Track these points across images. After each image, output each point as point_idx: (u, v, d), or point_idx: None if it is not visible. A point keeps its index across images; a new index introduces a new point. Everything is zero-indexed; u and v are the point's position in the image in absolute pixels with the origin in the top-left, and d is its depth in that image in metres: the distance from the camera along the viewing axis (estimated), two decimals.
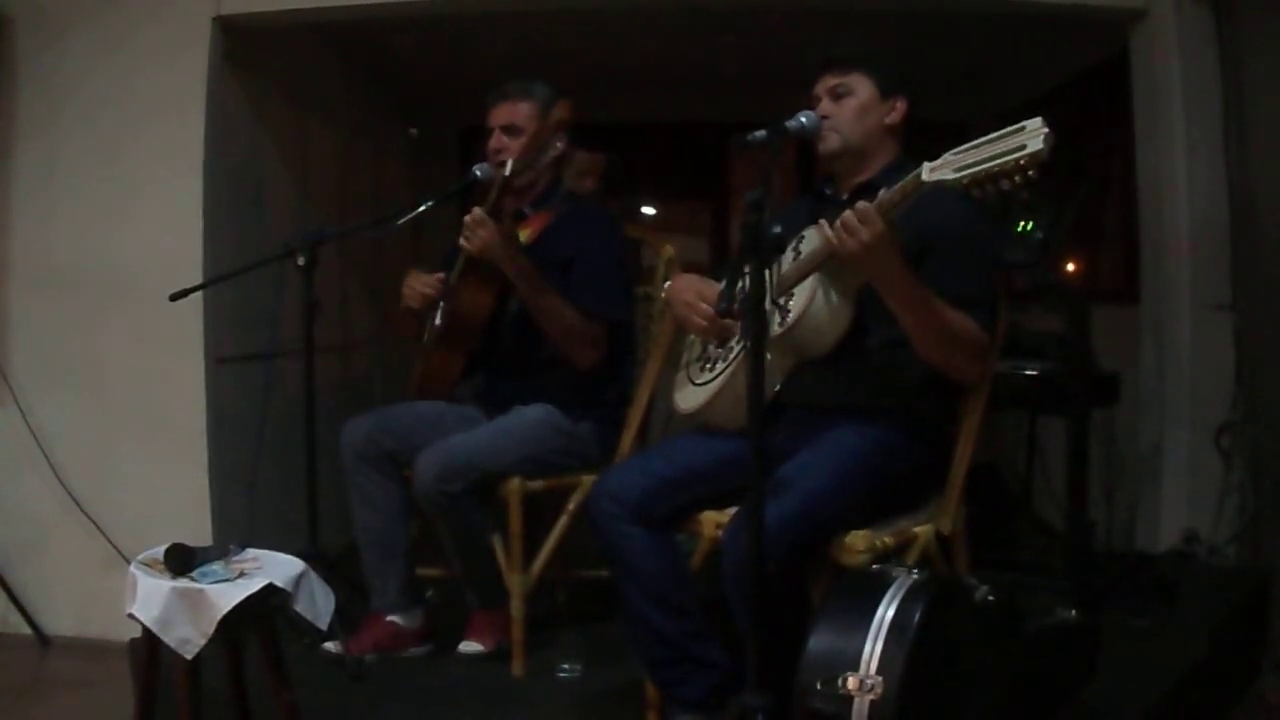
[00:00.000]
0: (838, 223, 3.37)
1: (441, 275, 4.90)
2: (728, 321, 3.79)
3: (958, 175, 3.10)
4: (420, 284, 4.89)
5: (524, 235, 4.72)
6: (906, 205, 3.29)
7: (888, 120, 3.90)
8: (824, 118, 3.82)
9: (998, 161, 3.02)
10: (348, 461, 4.70)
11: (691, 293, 3.95)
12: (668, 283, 4.19)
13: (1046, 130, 2.96)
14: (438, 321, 4.87)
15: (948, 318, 3.51)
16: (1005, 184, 3.03)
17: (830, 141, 3.87)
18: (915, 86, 3.94)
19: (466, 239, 4.50)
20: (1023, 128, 3.00)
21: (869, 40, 4.04)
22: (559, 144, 4.60)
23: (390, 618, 4.73)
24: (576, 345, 4.65)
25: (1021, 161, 2.97)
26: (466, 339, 4.81)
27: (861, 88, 3.87)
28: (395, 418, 4.79)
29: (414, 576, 4.80)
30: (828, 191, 4.03)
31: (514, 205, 4.78)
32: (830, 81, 3.90)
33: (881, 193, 3.38)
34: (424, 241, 7.56)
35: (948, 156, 3.16)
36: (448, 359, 4.87)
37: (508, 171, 4.51)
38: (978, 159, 3.07)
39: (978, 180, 3.06)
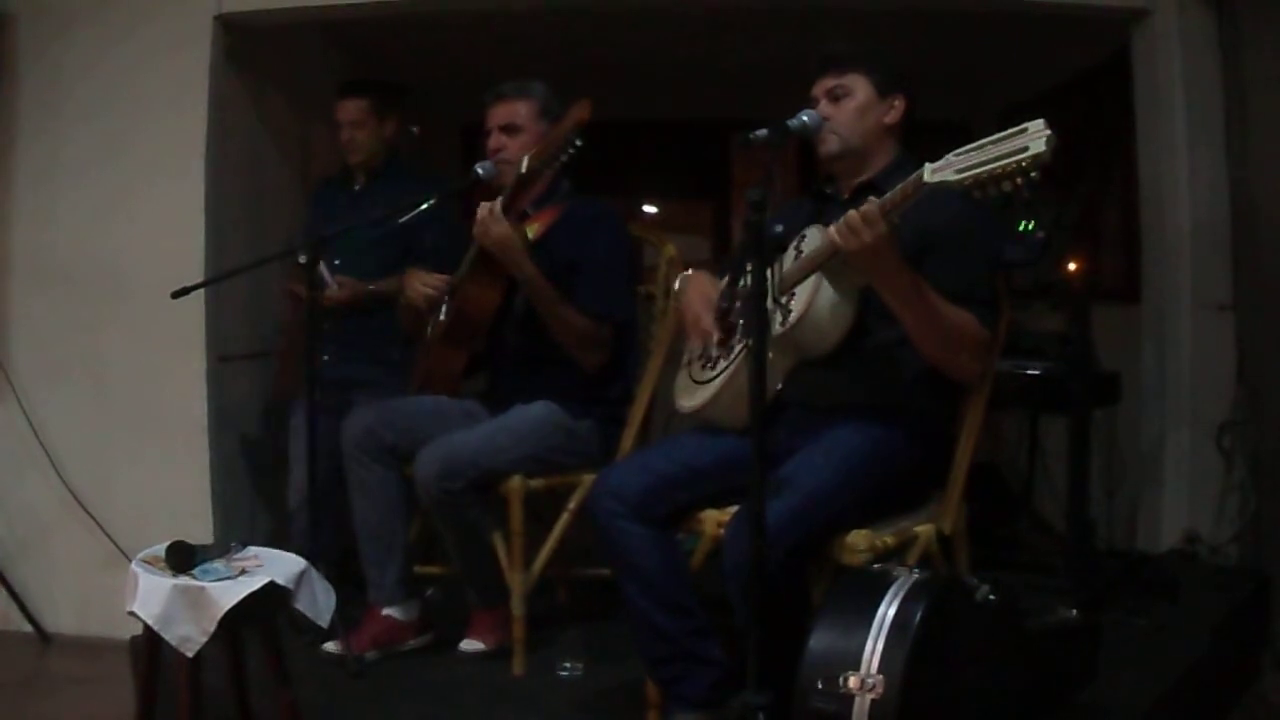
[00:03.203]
0: (841, 222, 3.38)
1: (445, 276, 4.89)
2: (719, 334, 3.87)
3: (959, 176, 3.11)
4: (423, 283, 4.88)
5: (531, 232, 4.70)
6: (908, 205, 3.30)
7: (887, 120, 3.89)
8: (823, 119, 3.82)
9: (1000, 163, 3.02)
10: (348, 453, 4.69)
11: (701, 299, 3.96)
12: (687, 271, 4.19)
13: (1048, 132, 2.96)
14: (442, 317, 4.86)
15: (948, 316, 3.51)
16: (1007, 185, 3.03)
17: (830, 144, 3.86)
18: (913, 84, 3.93)
19: (480, 232, 4.48)
20: (1025, 129, 3.00)
21: (870, 39, 4.02)
22: (578, 143, 4.55)
23: (387, 611, 4.72)
24: (583, 348, 4.64)
25: (1023, 163, 2.98)
26: (471, 336, 4.80)
27: (859, 88, 3.85)
28: (397, 411, 4.78)
29: (411, 569, 4.79)
30: (828, 191, 4.03)
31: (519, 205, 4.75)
32: (828, 83, 3.88)
33: (872, 198, 3.39)
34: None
35: (950, 157, 3.16)
36: (451, 355, 4.86)
37: (523, 169, 4.48)
38: (980, 160, 3.07)
39: (980, 182, 3.07)
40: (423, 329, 5.03)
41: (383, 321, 5.39)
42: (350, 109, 5.64)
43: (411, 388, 5.03)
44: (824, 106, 3.85)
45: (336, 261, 5.49)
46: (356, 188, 5.74)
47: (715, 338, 3.90)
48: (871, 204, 3.34)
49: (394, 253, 5.14)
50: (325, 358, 5.41)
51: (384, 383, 5.33)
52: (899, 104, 3.90)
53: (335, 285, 5.40)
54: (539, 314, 4.61)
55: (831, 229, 3.44)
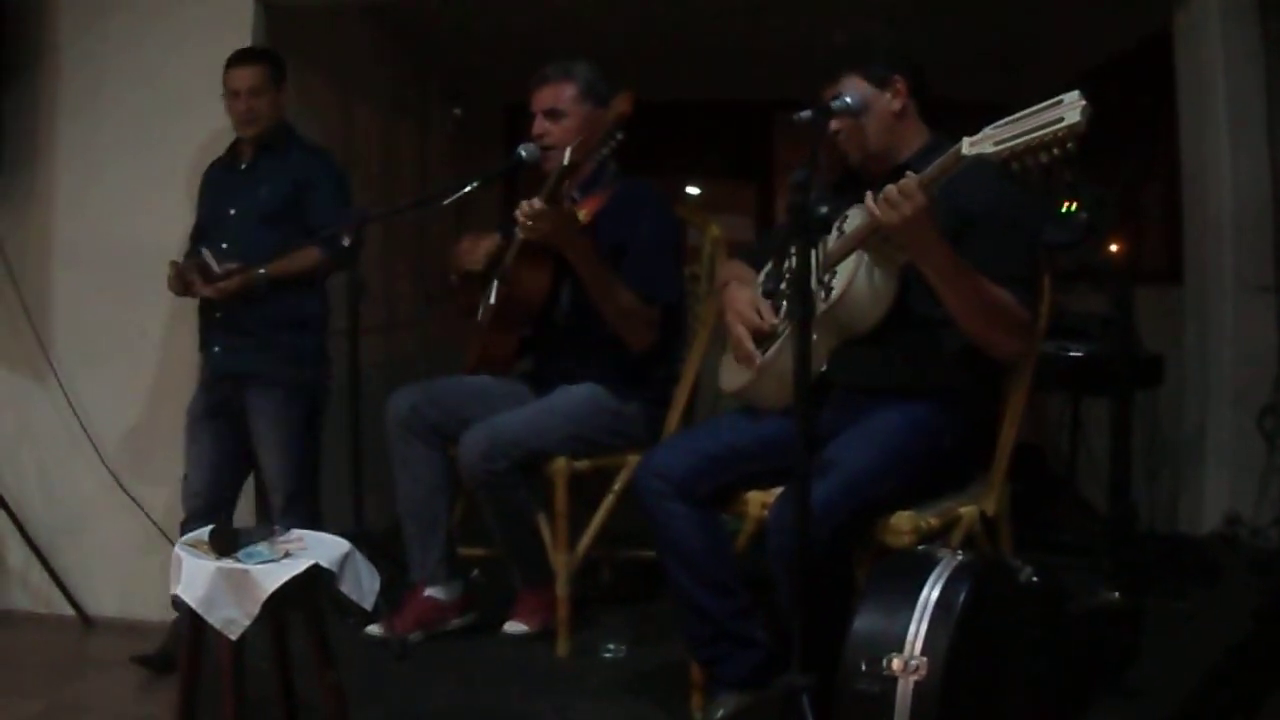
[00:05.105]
0: (880, 195, 3.37)
1: (496, 237, 4.91)
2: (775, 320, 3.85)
3: (997, 149, 3.10)
4: (474, 245, 4.90)
5: (580, 217, 4.70)
6: (947, 179, 3.29)
7: (894, 107, 3.81)
8: (836, 133, 3.80)
9: (1036, 134, 3.02)
10: (392, 431, 4.70)
11: (746, 304, 3.93)
12: (724, 274, 4.18)
13: (1084, 103, 2.96)
14: (492, 301, 4.86)
15: (988, 292, 3.49)
16: (1044, 157, 3.04)
17: (852, 156, 3.88)
18: (908, 56, 3.87)
19: (527, 229, 4.49)
20: (1060, 101, 3.01)
21: (909, 19, 3.99)
22: (620, 135, 4.53)
23: (429, 591, 4.73)
24: (633, 328, 4.64)
25: (1060, 134, 2.98)
26: (521, 321, 4.80)
27: (856, 89, 3.80)
28: (442, 390, 4.79)
29: (454, 548, 4.81)
30: (864, 178, 3.99)
31: (567, 191, 4.75)
32: (826, 95, 3.81)
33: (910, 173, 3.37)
34: (468, 221, 7.57)
35: (987, 131, 3.16)
36: (503, 339, 4.87)
37: (565, 161, 4.46)
38: (1016, 132, 3.07)
39: (1016, 153, 3.07)
40: (474, 307, 5.03)
41: (275, 307, 5.15)
42: (249, 75, 5.18)
43: (466, 371, 5.02)
44: (833, 121, 3.81)
45: (224, 245, 5.18)
46: (244, 165, 5.33)
47: (778, 326, 3.89)
48: (910, 178, 3.33)
49: (287, 231, 5.00)
50: (215, 349, 5.26)
51: (276, 372, 5.16)
52: (900, 85, 3.81)
53: (221, 272, 5.06)
54: (590, 294, 4.61)
55: (869, 202, 3.43)
